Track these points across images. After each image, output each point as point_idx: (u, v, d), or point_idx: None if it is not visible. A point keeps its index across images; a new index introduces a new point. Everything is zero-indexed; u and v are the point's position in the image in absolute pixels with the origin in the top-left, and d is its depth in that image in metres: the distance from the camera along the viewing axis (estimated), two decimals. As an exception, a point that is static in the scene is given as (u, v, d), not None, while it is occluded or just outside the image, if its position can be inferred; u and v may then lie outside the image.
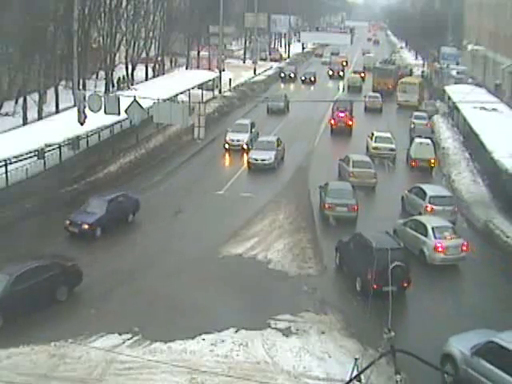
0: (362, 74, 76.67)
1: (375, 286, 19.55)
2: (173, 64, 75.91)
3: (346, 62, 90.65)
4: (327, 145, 44.18)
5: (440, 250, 23.97)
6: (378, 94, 58.53)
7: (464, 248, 24.24)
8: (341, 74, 78.72)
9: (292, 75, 75.57)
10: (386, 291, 17.75)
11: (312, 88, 70.74)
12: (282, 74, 75.75)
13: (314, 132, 46.83)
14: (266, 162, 36.38)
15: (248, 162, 36.96)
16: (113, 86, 56.56)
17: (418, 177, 35.93)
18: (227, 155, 40.19)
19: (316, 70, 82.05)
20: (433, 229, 24.50)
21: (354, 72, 79.41)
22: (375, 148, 39.10)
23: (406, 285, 21.57)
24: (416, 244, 24.70)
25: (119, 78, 59.54)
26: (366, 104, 56.09)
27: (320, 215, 29.24)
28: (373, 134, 40.60)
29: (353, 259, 22.62)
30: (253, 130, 42.09)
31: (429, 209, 27.87)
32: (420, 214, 27.79)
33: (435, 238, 24.19)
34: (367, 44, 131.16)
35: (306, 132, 46.54)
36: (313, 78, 74.44)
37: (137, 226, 28.07)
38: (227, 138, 40.70)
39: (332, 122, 46.62)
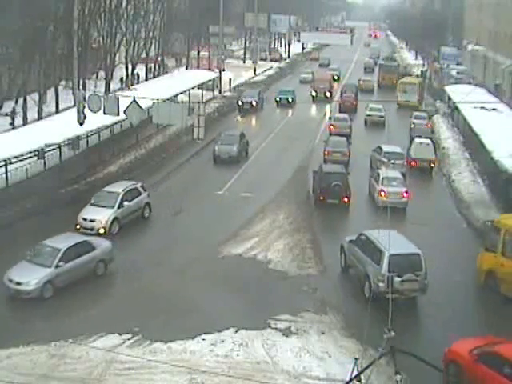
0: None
1: (321, 198, 29.92)
2: (178, 63, 75.78)
3: (338, 77, 75.42)
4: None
5: (383, 194, 29.79)
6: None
7: (404, 195, 29.88)
8: (327, 94, 60.75)
9: (254, 103, 53.53)
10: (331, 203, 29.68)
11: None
12: (240, 102, 53.63)
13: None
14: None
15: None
16: (121, 83, 56.74)
17: (417, 177, 36.11)
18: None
19: (302, 84, 69.98)
20: (383, 178, 30.59)
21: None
22: (369, 115, 50.69)
23: (345, 200, 29.91)
24: (372, 190, 31.51)
25: (122, 77, 59.78)
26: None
27: (320, 215, 29.30)
28: (368, 105, 52.03)
29: (316, 182, 31.18)
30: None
31: (378, 159, 35.28)
32: (377, 167, 34.36)
33: (382, 185, 30.20)
34: (368, 38, 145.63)
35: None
36: (290, 99, 57.59)
37: (137, 226, 28.05)
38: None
39: (340, 101, 56.71)
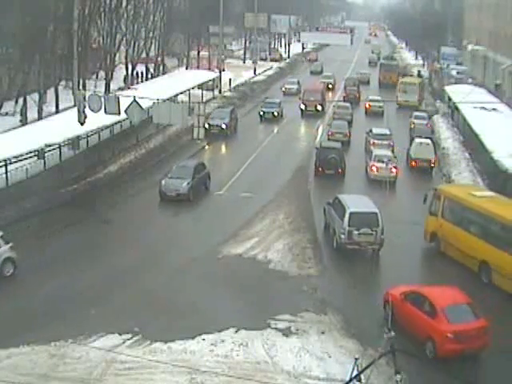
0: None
1: (320, 169, 34.88)
2: (180, 62, 75.73)
3: (332, 85, 68.50)
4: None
5: (374, 169, 34.39)
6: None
7: (393, 170, 33.75)
8: (319, 107, 52.91)
9: (224, 126, 43.71)
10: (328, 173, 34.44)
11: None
12: (207, 126, 39.96)
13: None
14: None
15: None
16: (124, 82, 56.89)
17: (417, 177, 36.15)
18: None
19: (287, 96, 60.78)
20: (375, 156, 35.18)
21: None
22: (369, 106, 55.60)
23: (340, 171, 34.87)
24: (366, 165, 35.87)
25: (136, 73, 60.19)
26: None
27: (320, 215, 29.31)
28: (368, 97, 57.28)
29: (316, 156, 35.99)
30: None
31: (371, 142, 39.65)
32: (369, 146, 39.35)
33: (373, 161, 34.57)
34: (368, 37, 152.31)
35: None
36: (276, 113, 50.48)
37: (137, 226, 28.07)
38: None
39: (344, 94, 60.90)
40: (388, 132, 41.64)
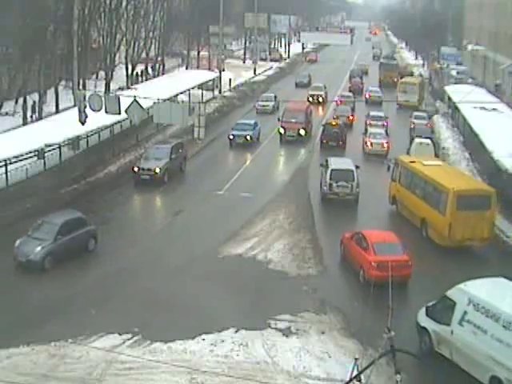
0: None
1: (325, 141, 41.43)
2: (183, 62, 75.59)
3: (323, 98, 58.67)
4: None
5: (368, 144, 40.20)
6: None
7: (384, 145, 39.89)
8: (301, 131, 43.11)
9: (158, 170, 32.60)
10: (331, 145, 40.78)
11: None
12: (136, 169, 32.94)
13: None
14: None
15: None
16: (129, 79, 57.58)
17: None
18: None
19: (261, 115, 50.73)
20: (369, 133, 41.50)
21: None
22: (370, 96, 60.39)
23: (341, 143, 41.16)
24: (363, 142, 41.40)
25: (137, 73, 60.02)
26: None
27: (320, 216, 29.37)
28: (368, 88, 63.25)
29: (322, 131, 42.56)
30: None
31: (368, 122, 45.62)
32: (366, 126, 45.33)
33: (368, 137, 40.67)
34: (368, 35, 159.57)
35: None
36: (249, 137, 41.67)
37: (137, 226, 28.07)
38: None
39: (349, 85, 67.13)
40: (383, 114, 47.78)
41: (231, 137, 41.78)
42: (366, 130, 43.39)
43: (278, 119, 44.42)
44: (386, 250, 22.15)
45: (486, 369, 16.26)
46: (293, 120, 43.52)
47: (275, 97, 55.03)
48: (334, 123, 42.81)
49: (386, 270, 19.44)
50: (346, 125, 44.67)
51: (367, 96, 60.22)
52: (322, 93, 59.47)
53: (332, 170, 30.71)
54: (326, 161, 32.10)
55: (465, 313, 17.08)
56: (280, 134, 43.47)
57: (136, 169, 32.86)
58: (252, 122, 44.05)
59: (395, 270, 19.92)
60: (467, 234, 25.22)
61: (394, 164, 31.15)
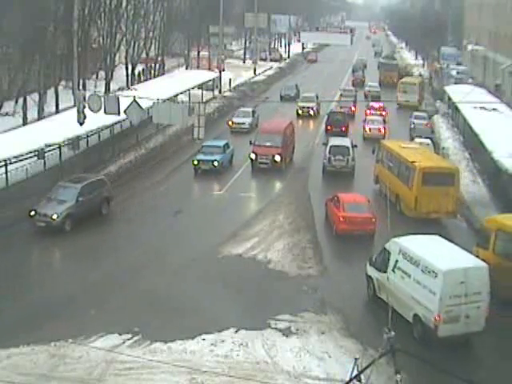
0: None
1: (329, 128, 45.35)
2: (185, 62, 75.44)
3: (315, 111, 51.36)
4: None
5: (367, 129, 45.03)
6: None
7: (381, 130, 44.34)
8: (277, 158, 35.24)
9: (56, 216, 26.06)
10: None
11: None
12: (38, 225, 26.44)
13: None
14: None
15: None
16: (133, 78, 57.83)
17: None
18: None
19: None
20: (368, 120, 46.50)
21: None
22: (369, 91, 64.07)
23: (343, 129, 44.59)
24: (362, 128, 45.76)
25: (139, 73, 60.03)
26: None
27: (320, 215, 29.36)
28: (367, 84, 67.65)
29: (326, 118, 46.80)
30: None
31: (368, 112, 50.11)
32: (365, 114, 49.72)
33: (367, 123, 45.56)
34: (368, 33, 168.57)
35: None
36: (216, 163, 34.53)
37: (137, 226, 28.06)
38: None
39: (352, 78, 74.09)
40: (381, 105, 52.26)
41: (196, 162, 34.47)
42: (365, 117, 48.26)
43: (250, 142, 36.45)
44: (354, 208, 26.61)
45: (410, 308, 19.12)
46: (267, 143, 35.67)
47: (253, 112, 46.74)
48: (337, 111, 48.15)
49: (352, 225, 25.86)
50: (348, 115, 49.03)
51: (367, 92, 63.37)
52: (314, 104, 51.71)
53: (331, 146, 35.48)
54: (327, 139, 37.74)
55: (396, 261, 20.07)
56: (251, 159, 35.60)
57: (32, 212, 26.06)
58: (221, 143, 36.56)
59: (361, 225, 26.03)
60: (432, 207, 28.19)
61: (378, 147, 34.43)
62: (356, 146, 36.53)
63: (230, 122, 45.39)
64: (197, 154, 35.31)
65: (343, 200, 26.99)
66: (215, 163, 34.45)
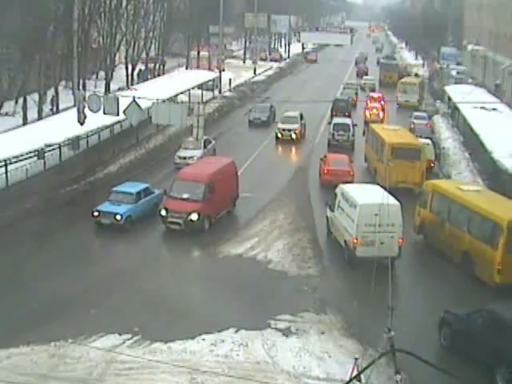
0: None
1: (334, 113, 49.24)
2: (187, 62, 75.32)
3: (297, 134, 42.51)
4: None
5: (367, 114, 50.87)
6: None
7: (380, 115, 50.67)
8: (193, 217, 26.29)
9: None
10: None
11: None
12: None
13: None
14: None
15: None
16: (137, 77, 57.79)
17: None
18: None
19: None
20: (369, 107, 51.86)
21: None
22: (365, 83, 70.69)
23: (347, 114, 48.89)
24: (363, 113, 51.64)
25: (140, 70, 60.15)
26: None
27: (320, 215, 29.36)
28: (363, 77, 74.72)
29: (332, 104, 51.64)
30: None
31: (368, 101, 53.96)
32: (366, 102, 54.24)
33: (367, 110, 51.57)
34: (369, 32, 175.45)
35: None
36: (118, 216, 26.70)
37: (137, 226, 28.05)
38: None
39: (356, 69, 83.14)
40: (380, 95, 56.85)
41: (96, 213, 26.54)
42: (366, 104, 53.01)
43: (165, 191, 28.07)
44: (337, 163, 33.39)
45: (342, 235, 24.47)
46: (184, 195, 26.91)
47: (207, 141, 36.64)
48: (342, 99, 54.02)
49: (335, 176, 31.60)
50: (351, 105, 54.22)
51: (363, 84, 69.88)
52: (297, 126, 42.73)
53: (334, 123, 42.70)
54: (332, 119, 45.04)
55: (339, 201, 25.24)
56: (162, 217, 26.89)
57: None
58: (137, 188, 28.09)
59: (340, 176, 31.28)
60: (401, 178, 31.70)
61: (366, 130, 40.31)
62: (356, 124, 43.56)
63: (175, 157, 35.69)
64: (103, 203, 27.19)
65: (329, 157, 34.64)
66: (118, 217, 26.27)
